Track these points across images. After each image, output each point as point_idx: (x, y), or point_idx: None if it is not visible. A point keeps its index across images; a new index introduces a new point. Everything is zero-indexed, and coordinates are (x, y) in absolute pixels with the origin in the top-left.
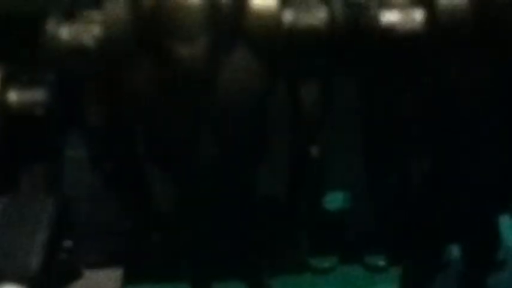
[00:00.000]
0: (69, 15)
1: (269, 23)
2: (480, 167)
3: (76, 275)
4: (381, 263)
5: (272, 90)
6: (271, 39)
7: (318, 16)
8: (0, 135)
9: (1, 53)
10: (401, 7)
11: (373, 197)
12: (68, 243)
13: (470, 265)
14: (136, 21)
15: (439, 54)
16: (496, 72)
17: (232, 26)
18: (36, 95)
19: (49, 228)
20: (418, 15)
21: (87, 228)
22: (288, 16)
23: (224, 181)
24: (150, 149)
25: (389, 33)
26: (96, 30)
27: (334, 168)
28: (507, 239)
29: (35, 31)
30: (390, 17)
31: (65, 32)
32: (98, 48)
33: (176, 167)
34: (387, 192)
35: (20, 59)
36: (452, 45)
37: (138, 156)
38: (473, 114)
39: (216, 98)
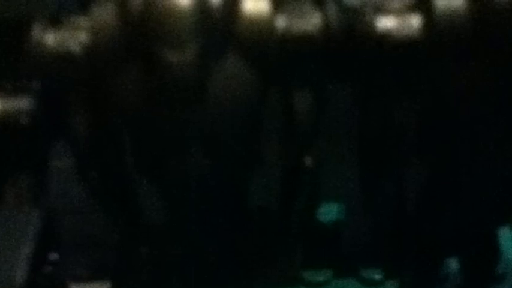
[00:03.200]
0: (55, 21)
1: (262, 28)
2: (480, 178)
3: None
4: (377, 276)
5: (264, 98)
6: (264, 46)
7: (312, 22)
8: None
9: None
10: (397, 12)
11: (369, 209)
12: (53, 256)
13: (469, 278)
14: (125, 27)
15: (437, 61)
16: (495, 78)
17: (224, 31)
18: (21, 104)
19: (34, 240)
20: (415, 21)
21: (74, 240)
22: (281, 22)
23: (215, 192)
24: (138, 158)
25: (386, 40)
26: (83, 36)
27: (328, 179)
28: (507, 252)
29: (20, 37)
30: (386, 22)
31: (50, 38)
32: (85, 55)
33: (166, 177)
34: (384, 203)
35: (4, 66)
36: (450, 51)
37: (126, 167)
38: (472, 122)
39: (207, 106)
